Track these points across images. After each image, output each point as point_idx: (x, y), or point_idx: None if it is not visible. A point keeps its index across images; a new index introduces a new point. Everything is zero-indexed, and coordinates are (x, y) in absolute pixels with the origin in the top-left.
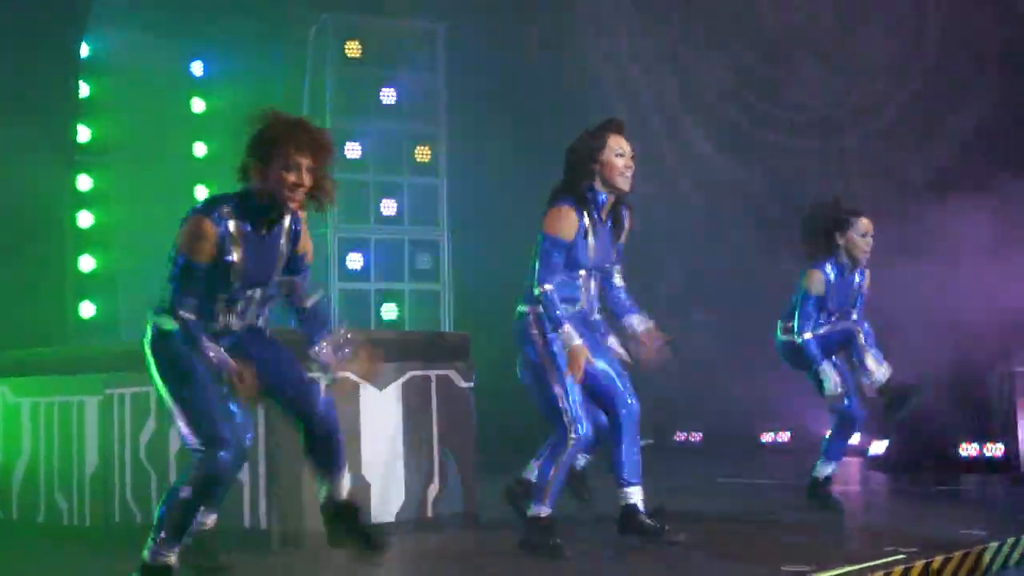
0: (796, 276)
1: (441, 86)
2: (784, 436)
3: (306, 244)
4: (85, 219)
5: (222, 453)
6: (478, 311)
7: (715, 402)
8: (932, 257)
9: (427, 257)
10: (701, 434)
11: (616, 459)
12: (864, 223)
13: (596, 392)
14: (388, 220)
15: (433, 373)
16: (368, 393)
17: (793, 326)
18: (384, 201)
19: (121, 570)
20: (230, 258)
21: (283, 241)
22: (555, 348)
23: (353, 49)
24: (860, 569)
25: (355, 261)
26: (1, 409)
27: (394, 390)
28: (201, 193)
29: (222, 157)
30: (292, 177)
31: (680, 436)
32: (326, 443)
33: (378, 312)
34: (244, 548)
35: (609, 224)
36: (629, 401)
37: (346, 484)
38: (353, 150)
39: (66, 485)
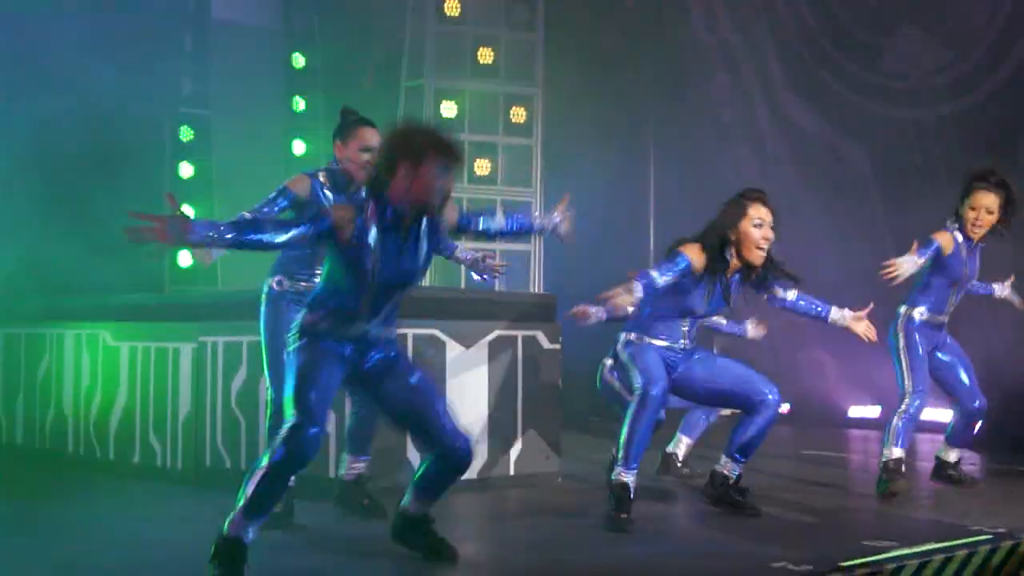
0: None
1: (539, 47)
2: (874, 411)
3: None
4: (186, 169)
5: (313, 430)
6: (568, 272)
7: (805, 373)
8: None
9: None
10: (789, 405)
11: (740, 433)
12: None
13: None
14: (482, 180)
15: (520, 333)
16: (454, 351)
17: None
18: (478, 161)
19: (208, 513)
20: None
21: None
22: None
23: (452, 7)
24: (944, 547)
25: None
26: (101, 352)
27: (480, 349)
28: (298, 147)
29: (320, 112)
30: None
31: None
32: (452, 477)
33: (469, 272)
34: (329, 497)
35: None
36: (768, 391)
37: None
38: (449, 109)
39: (160, 428)
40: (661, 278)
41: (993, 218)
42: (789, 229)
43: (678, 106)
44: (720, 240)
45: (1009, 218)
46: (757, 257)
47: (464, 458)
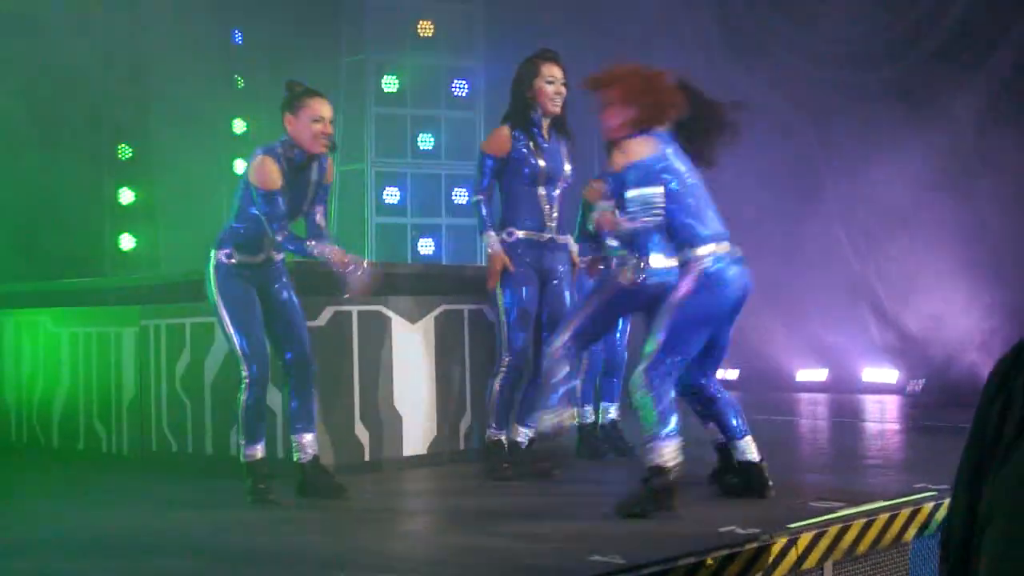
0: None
1: (479, 18)
2: (821, 374)
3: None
4: (125, 152)
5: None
6: None
7: (752, 339)
8: None
9: (463, 192)
10: (738, 371)
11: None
12: None
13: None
14: (425, 154)
15: (466, 308)
16: (400, 326)
17: None
18: (421, 135)
19: (159, 496)
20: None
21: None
22: None
23: None
24: (890, 505)
25: (392, 195)
26: (42, 339)
27: (427, 324)
28: (239, 126)
29: (260, 88)
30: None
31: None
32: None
33: (415, 246)
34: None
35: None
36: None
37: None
38: (390, 84)
39: (104, 414)
40: (482, 185)
41: None
42: (731, 195)
43: None
44: (522, 102)
45: None
46: (555, 107)
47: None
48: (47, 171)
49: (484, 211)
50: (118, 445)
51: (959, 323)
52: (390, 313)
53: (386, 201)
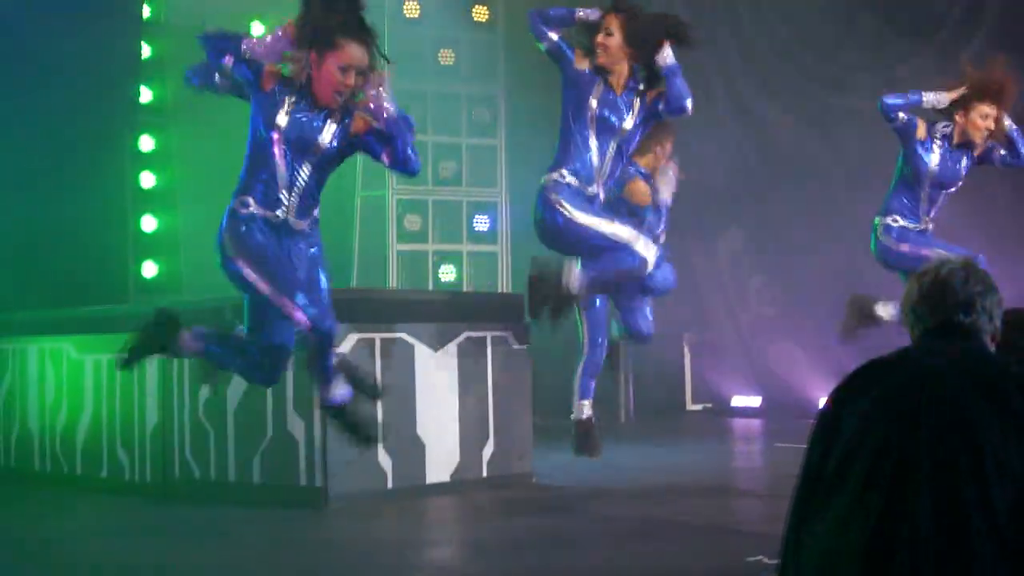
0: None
1: (500, 45)
2: None
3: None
4: (147, 180)
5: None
6: None
7: (776, 366)
8: None
9: (486, 218)
10: (760, 397)
11: None
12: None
13: None
14: (446, 182)
15: (489, 334)
16: (423, 354)
17: None
18: (442, 163)
19: (179, 523)
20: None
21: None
22: None
23: (412, 9)
24: None
25: (413, 223)
26: (65, 366)
27: (450, 351)
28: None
29: None
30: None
31: (739, 401)
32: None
33: (436, 274)
34: (298, 505)
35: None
36: None
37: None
38: (411, 111)
39: (127, 441)
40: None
41: None
42: (751, 221)
43: None
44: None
45: None
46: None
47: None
48: (68, 198)
49: None
50: (141, 473)
51: None
52: (412, 340)
53: (407, 228)
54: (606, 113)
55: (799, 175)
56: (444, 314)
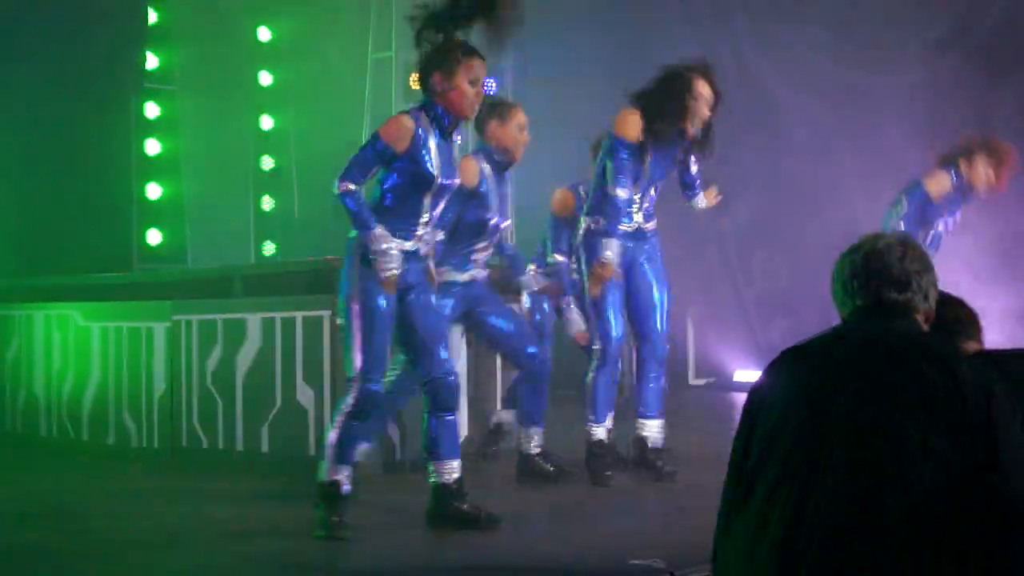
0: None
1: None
2: None
3: None
4: (152, 147)
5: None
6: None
7: (778, 343)
8: None
9: None
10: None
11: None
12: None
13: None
14: None
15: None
16: None
17: None
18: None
19: (186, 491)
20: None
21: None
22: None
23: None
24: None
25: None
26: (72, 332)
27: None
28: (267, 122)
29: (287, 86)
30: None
31: (741, 376)
32: (433, 414)
33: None
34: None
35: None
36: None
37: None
38: (417, 97)
39: (135, 408)
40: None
41: None
42: (760, 199)
43: (644, 73)
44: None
45: None
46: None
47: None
48: (73, 164)
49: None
50: (148, 440)
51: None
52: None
53: None
54: None
55: (806, 149)
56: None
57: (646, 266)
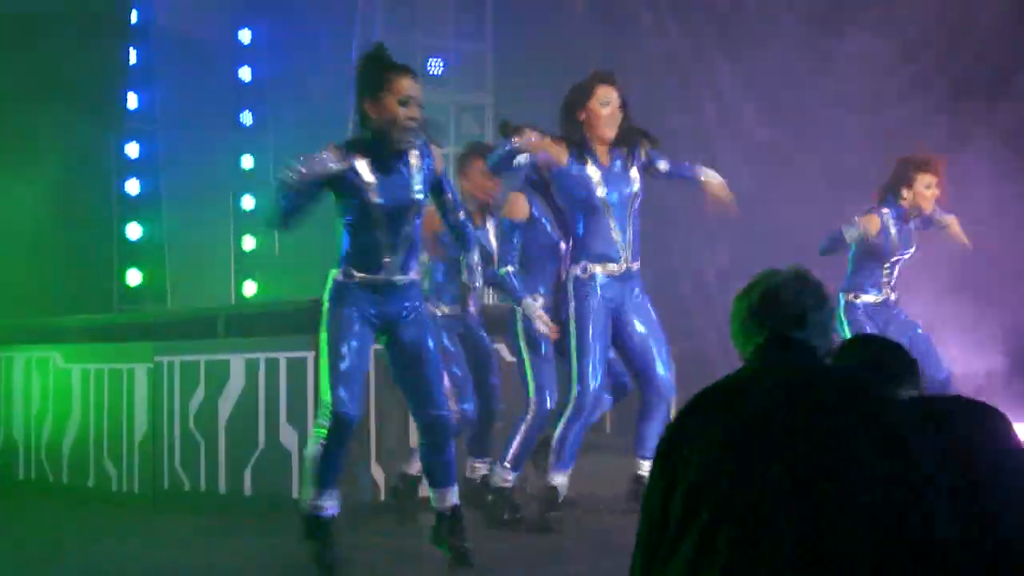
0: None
1: (489, 55)
2: None
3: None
4: (133, 186)
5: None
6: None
7: None
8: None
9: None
10: None
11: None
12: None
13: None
14: None
15: None
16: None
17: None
18: None
19: (168, 535)
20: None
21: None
22: None
23: (401, 17)
24: None
25: None
26: (52, 375)
27: None
28: (248, 162)
29: (269, 126)
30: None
31: None
32: (436, 454)
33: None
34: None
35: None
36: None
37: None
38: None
39: (115, 451)
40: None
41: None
42: (741, 236)
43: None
44: (574, 125)
45: None
46: (609, 131)
47: (442, 429)
48: (54, 204)
49: None
50: (129, 483)
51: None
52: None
53: None
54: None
55: (787, 191)
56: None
57: (636, 308)
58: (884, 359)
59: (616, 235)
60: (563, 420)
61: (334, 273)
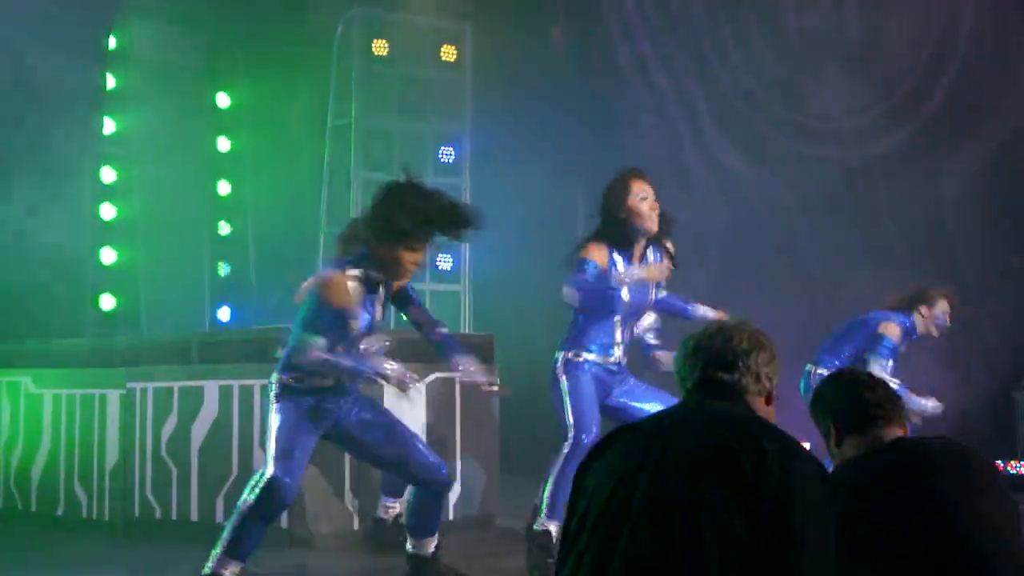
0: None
1: (466, 84)
2: None
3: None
4: (108, 211)
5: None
6: (497, 313)
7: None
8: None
9: (448, 257)
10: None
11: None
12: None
13: None
14: None
15: (457, 375)
16: (392, 394)
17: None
18: None
19: (138, 564)
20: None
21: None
22: None
23: (380, 47)
24: None
25: None
26: (23, 400)
27: (418, 392)
28: (224, 188)
29: (245, 152)
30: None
31: None
32: (437, 503)
33: (399, 314)
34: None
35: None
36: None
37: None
38: (377, 149)
39: (86, 478)
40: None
41: None
42: (718, 271)
43: (606, 148)
44: (615, 223)
45: None
46: (652, 224)
47: (445, 481)
48: (28, 228)
49: None
50: (99, 511)
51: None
52: (381, 380)
53: None
54: None
55: (765, 225)
56: (413, 354)
57: (629, 391)
58: (863, 397)
59: (618, 335)
60: (556, 468)
61: None
